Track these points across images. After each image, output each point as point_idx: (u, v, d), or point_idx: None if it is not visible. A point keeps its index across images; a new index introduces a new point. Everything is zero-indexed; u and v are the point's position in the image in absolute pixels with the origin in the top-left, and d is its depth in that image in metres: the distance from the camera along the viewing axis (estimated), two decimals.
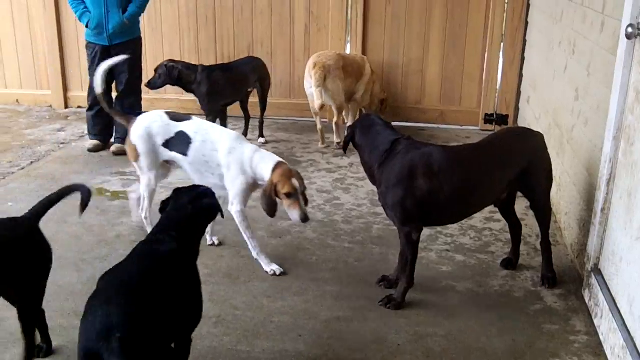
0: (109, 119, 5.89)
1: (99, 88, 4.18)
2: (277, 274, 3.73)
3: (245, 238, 3.79)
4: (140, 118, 3.96)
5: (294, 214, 3.56)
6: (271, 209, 3.60)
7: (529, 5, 6.24)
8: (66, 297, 3.47)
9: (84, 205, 2.92)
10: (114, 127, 5.90)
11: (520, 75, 6.45)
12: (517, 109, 6.56)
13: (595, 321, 3.26)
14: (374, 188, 3.57)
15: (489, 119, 6.66)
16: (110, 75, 5.72)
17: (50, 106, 7.27)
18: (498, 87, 6.63)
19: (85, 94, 5.95)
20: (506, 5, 6.38)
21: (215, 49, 6.88)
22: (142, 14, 5.77)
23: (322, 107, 5.78)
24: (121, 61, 4.69)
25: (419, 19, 6.55)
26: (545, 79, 5.27)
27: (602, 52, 3.63)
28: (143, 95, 5.95)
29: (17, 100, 7.38)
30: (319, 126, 6.09)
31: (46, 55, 7.11)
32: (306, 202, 3.68)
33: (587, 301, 3.45)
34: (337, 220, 4.51)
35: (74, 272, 3.73)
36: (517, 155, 3.49)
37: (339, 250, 4.07)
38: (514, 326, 3.29)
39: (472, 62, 6.59)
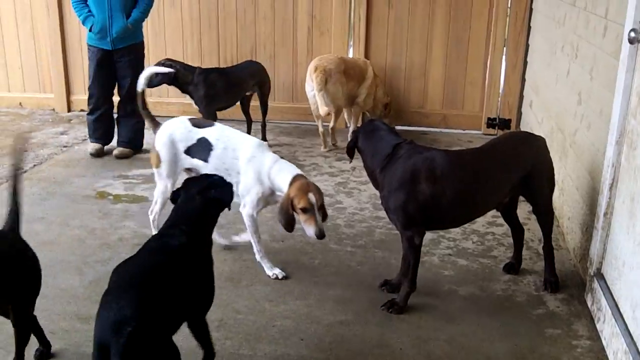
0: (110, 122, 5.90)
1: (140, 87, 4.15)
2: (279, 277, 3.73)
3: (252, 241, 3.79)
4: (164, 125, 3.93)
5: (309, 230, 3.45)
6: (288, 224, 3.49)
7: (531, 9, 6.24)
8: (68, 300, 3.47)
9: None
10: (116, 130, 5.91)
11: (523, 80, 6.45)
12: (519, 113, 6.56)
13: (598, 326, 3.26)
14: (377, 192, 3.57)
15: (491, 123, 6.66)
16: (113, 79, 5.75)
17: (53, 109, 7.28)
18: (500, 91, 6.63)
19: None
20: (509, 9, 6.39)
21: (218, 52, 6.89)
22: (146, 19, 5.77)
23: (328, 114, 5.80)
24: (167, 72, 4.99)
25: (422, 23, 6.55)
26: (547, 83, 5.27)
27: (605, 56, 3.63)
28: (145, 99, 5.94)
29: (20, 104, 7.40)
30: (320, 129, 6.09)
31: (49, 58, 7.13)
32: (325, 217, 3.57)
33: (589, 306, 3.44)
34: (340, 224, 4.51)
35: (76, 275, 3.73)
36: (519, 160, 3.49)
37: (341, 254, 4.07)
38: (516, 330, 3.29)
39: (474, 66, 6.59)
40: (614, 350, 2.97)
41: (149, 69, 4.44)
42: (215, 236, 3.85)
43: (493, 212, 3.80)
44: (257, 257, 3.80)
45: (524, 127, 6.28)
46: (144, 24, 5.81)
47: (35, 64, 7.26)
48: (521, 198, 3.71)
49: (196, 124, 3.89)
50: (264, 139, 6.18)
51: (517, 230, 3.82)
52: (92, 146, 5.89)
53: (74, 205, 4.73)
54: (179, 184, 2.91)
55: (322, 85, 5.72)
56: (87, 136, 6.04)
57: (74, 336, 3.16)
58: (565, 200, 4.30)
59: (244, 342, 3.14)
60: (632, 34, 3.01)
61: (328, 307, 3.47)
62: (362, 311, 3.44)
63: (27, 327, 2.75)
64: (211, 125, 3.89)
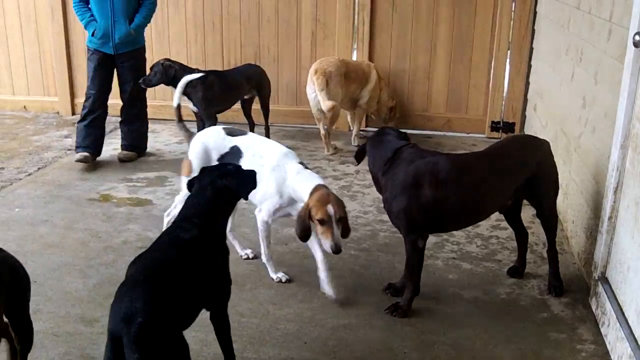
0: (100, 132, 5.71)
1: (176, 102, 4.21)
2: (283, 281, 3.74)
3: (261, 244, 3.78)
4: (198, 134, 3.95)
5: (325, 243, 3.32)
6: (303, 234, 3.37)
7: (535, 13, 6.23)
8: (72, 303, 3.47)
9: None
10: (119, 134, 5.91)
11: (527, 83, 6.44)
12: (523, 116, 6.55)
13: (602, 330, 3.25)
14: (380, 195, 3.57)
15: (495, 126, 6.65)
16: (111, 83, 5.72)
17: (57, 113, 7.29)
18: (505, 94, 6.61)
19: None
20: (513, 13, 6.38)
21: (222, 56, 6.90)
22: (148, 23, 5.78)
23: (332, 107, 5.74)
24: (194, 78, 4.90)
25: (426, 27, 6.55)
26: (552, 86, 5.26)
27: (610, 60, 3.63)
28: (148, 102, 5.97)
29: (25, 107, 7.42)
30: (322, 132, 6.09)
31: (53, 62, 7.15)
32: (347, 232, 3.42)
33: (594, 310, 3.43)
34: None
35: (80, 278, 3.74)
36: (523, 163, 3.48)
37: (344, 258, 4.06)
38: (520, 335, 3.28)
39: (478, 69, 6.58)
40: (619, 355, 2.96)
41: (184, 80, 4.45)
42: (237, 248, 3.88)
43: (497, 215, 3.80)
44: (264, 258, 3.81)
45: (528, 131, 6.27)
46: (147, 27, 5.82)
47: (40, 67, 7.28)
48: (525, 202, 3.71)
49: (230, 132, 3.89)
50: None
51: (521, 234, 3.81)
52: (80, 154, 5.52)
53: (78, 208, 4.73)
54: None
55: (324, 86, 5.73)
56: (74, 147, 5.70)
57: (78, 339, 3.16)
58: (570, 204, 4.29)
59: (248, 345, 3.14)
60: (637, 37, 3.01)
61: (332, 311, 3.47)
62: (366, 315, 3.43)
63: (28, 331, 2.72)
64: (244, 134, 3.90)
